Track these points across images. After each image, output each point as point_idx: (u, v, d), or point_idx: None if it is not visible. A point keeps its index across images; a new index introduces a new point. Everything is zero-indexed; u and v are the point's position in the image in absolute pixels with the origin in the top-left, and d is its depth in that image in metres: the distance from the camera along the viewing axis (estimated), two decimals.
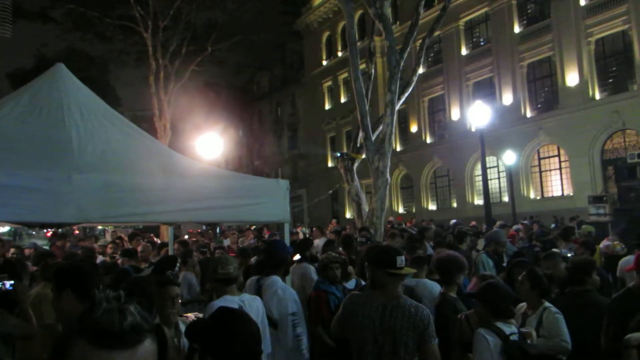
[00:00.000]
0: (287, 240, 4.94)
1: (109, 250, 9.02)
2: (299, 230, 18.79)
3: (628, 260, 6.11)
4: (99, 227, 22.95)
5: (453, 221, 14.50)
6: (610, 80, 22.90)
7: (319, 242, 10.11)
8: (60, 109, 4.46)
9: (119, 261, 6.70)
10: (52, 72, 4.93)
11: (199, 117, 30.39)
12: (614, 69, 22.89)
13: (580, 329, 3.98)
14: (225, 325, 2.03)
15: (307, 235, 13.66)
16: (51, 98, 4.56)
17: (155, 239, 12.30)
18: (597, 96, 22.98)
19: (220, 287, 3.67)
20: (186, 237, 13.91)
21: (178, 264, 4.84)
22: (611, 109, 21.79)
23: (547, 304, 4.13)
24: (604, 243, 7.98)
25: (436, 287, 4.78)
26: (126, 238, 10.19)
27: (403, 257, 3.13)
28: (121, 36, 26.35)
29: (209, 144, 20.02)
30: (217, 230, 18.09)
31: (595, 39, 23.14)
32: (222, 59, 31.06)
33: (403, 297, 3.11)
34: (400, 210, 32.85)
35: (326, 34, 39.00)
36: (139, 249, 7.14)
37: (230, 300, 3.50)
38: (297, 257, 5.72)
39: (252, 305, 3.60)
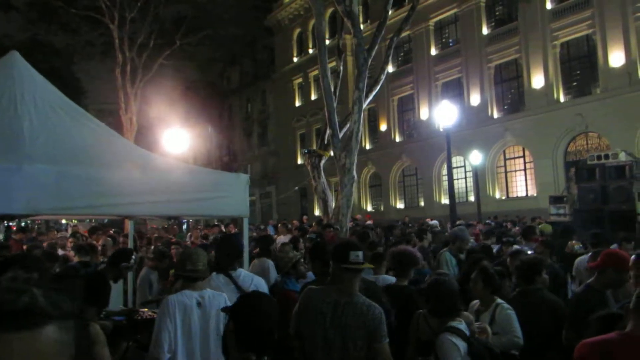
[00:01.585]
0: (245, 235, 4.90)
1: (69, 245, 8.84)
2: (271, 224, 18.74)
3: (583, 259, 6.27)
4: (63, 222, 22.49)
5: (434, 221, 14.68)
6: (575, 84, 23.49)
7: (283, 239, 10.11)
8: (13, 98, 4.34)
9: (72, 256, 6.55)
10: (6, 60, 4.79)
11: (167, 112, 29.97)
12: (579, 72, 23.48)
13: (530, 325, 4.07)
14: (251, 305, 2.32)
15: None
16: (4, 86, 4.43)
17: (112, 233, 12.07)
18: (562, 99, 23.55)
19: (185, 283, 3.57)
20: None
21: (134, 257, 4.75)
22: (575, 112, 22.35)
23: (499, 300, 4.21)
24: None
25: (391, 280, 4.86)
26: (86, 232, 9.99)
27: (359, 253, 3.07)
28: (87, 27, 25.75)
29: (177, 138, 19.81)
30: (185, 225, 17.93)
31: (560, 42, 23.70)
32: (192, 53, 30.67)
33: (358, 294, 3.06)
34: (369, 208, 33.08)
35: (297, 31, 38.93)
36: (100, 242, 7.00)
37: (189, 296, 3.45)
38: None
39: (214, 302, 3.48)
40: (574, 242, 7.71)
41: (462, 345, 3.19)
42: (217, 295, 3.55)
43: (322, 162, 13.16)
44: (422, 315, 3.73)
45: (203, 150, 41.93)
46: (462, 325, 3.34)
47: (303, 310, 3.25)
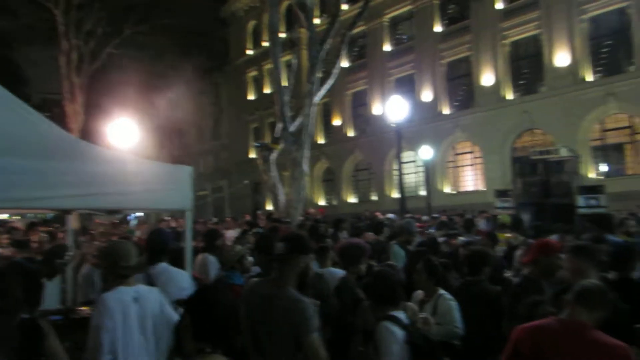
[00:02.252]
0: (189, 230, 4.78)
1: (4, 241, 8.45)
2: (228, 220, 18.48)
3: (522, 252, 6.46)
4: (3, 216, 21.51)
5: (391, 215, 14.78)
6: (522, 82, 24.18)
7: (233, 233, 10.02)
8: None
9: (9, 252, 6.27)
10: None
11: (116, 103, 29.07)
12: (526, 71, 24.18)
13: (471, 316, 4.16)
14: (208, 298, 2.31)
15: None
16: None
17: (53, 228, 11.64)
18: (510, 96, 24.21)
19: (119, 280, 3.43)
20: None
21: (69, 254, 4.57)
22: (522, 109, 23.03)
23: (441, 291, 4.29)
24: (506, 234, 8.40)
25: (339, 274, 4.86)
26: (23, 228, 9.58)
27: (282, 245, 3.08)
28: (26, 10, 24.46)
29: (125, 131, 19.27)
30: (133, 221, 17.48)
31: (510, 41, 24.33)
32: (143, 43, 29.82)
33: (288, 288, 3.05)
34: (322, 202, 33.16)
35: (252, 23, 38.53)
36: (35, 239, 6.72)
37: (125, 292, 3.33)
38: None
39: (149, 297, 3.39)
40: (511, 234, 7.94)
41: (399, 333, 3.25)
42: (151, 290, 3.46)
43: (273, 155, 13.10)
44: (367, 306, 3.78)
45: (153, 143, 40.96)
46: (402, 315, 3.41)
47: (242, 304, 3.22)
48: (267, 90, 36.13)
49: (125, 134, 18.90)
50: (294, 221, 11.36)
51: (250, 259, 5.25)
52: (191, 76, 45.19)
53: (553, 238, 6.69)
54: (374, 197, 29.85)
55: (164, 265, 4.14)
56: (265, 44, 35.15)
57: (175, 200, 4.60)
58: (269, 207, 31.16)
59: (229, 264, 5.00)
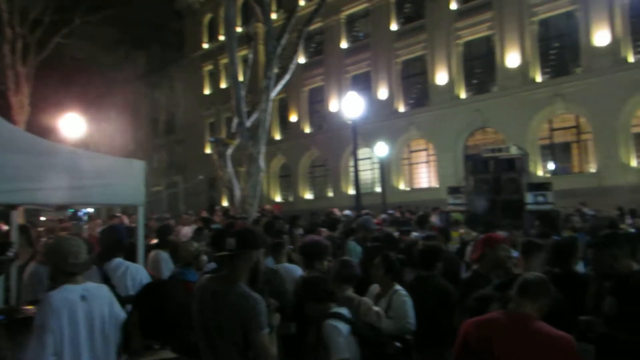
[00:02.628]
0: (141, 226, 4.68)
1: None
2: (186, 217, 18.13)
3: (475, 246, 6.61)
4: None
5: (347, 212, 14.83)
6: (475, 82, 24.76)
7: (188, 230, 9.89)
8: None
9: None
10: None
11: (66, 95, 28.10)
12: (479, 70, 24.77)
13: (425, 310, 4.24)
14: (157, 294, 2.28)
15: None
16: None
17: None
18: (463, 95, 24.76)
19: (65, 277, 3.29)
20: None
21: (14, 251, 4.38)
22: (474, 108, 23.60)
23: (397, 287, 4.35)
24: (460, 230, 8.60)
25: (297, 271, 4.87)
26: None
27: (233, 240, 3.07)
28: None
29: (75, 123, 18.69)
30: (84, 216, 16.95)
31: (463, 41, 24.86)
32: (94, 33, 28.85)
33: (238, 284, 3.04)
34: (278, 198, 33.09)
35: (208, 16, 37.98)
36: None
37: (72, 290, 3.21)
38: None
39: (98, 295, 3.27)
40: (464, 230, 8.14)
41: (344, 327, 3.35)
42: (99, 287, 3.35)
43: (229, 151, 12.97)
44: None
45: (105, 137, 39.87)
46: (344, 310, 3.51)
47: (193, 301, 3.19)
48: (223, 84, 35.73)
49: (75, 127, 18.34)
50: (249, 217, 11.29)
51: (204, 257, 5.21)
52: (145, 69, 44.22)
53: (501, 233, 6.91)
54: (330, 194, 29.99)
55: (119, 261, 4.05)
56: (222, 38, 34.70)
57: (128, 196, 4.49)
58: (225, 203, 30.89)
59: (185, 261, 4.95)
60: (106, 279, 3.85)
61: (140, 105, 44.76)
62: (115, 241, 4.07)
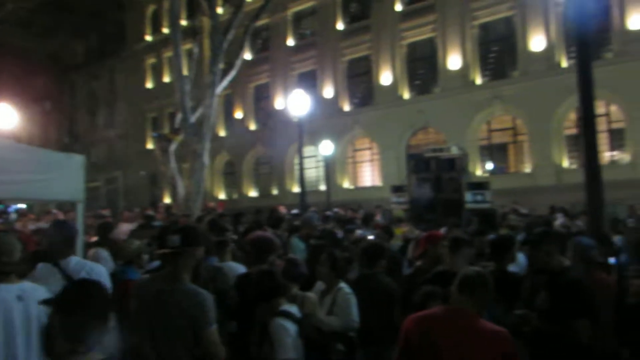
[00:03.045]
0: (80, 223, 4.52)
1: None
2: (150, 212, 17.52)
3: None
4: None
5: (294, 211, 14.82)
6: (418, 82, 25.30)
7: (128, 227, 9.63)
8: None
9: None
10: None
11: None
12: (422, 72, 25.32)
13: (368, 308, 4.31)
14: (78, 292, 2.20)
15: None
16: None
17: None
18: (407, 96, 25.25)
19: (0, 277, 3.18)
20: None
21: None
22: (417, 109, 24.09)
23: (342, 284, 4.40)
24: (402, 227, 8.78)
25: (240, 269, 4.84)
26: None
27: (177, 237, 3.03)
28: None
29: (6, 114, 17.77)
30: (13, 213, 16.18)
31: (407, 42, 25.34)
32: (29, 19, 27.52)
33: (183, 281, 3.00)
34: (222, 196, 32.70)
35: (152, 8, 36.98)
36: None
37: (7, 290, 3.07)
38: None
39: (35, 296, 3.12)
40: (407, 227, 8.33)
41: (292, 327, 3.37)
42: (37, 288, 3.20)
43: (173, 147, 12.72)
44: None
45: (39, 130, 38.19)
46: (293, 308, 3.53)
47: (133, 301, 3.12)
48: (167, 78, 34.93)
49: (6, 118, 17.45)
50: (193, 215, 11.11)
51: (145, 256, 5.10)
52: (83, 59, 42.58)
53: (442, 231, 7.12)
54: (275, 191, 29.90)
55: (78, 260, 3.86)
56: (166, 30, 33.94)
57: (65, 191, 4.32)
58: (167, 199, 30.24)
59: (126, 259, 4.83)
60: (68, 278, 3.66)
61: (78, 96, 43.10)
62: (68, 238, 3.87)
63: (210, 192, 30.58)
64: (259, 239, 4.79)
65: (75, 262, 3.80)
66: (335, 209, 14.93)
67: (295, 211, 13.41)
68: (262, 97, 31.34)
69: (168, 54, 33.36)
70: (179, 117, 12.27)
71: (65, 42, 42.09)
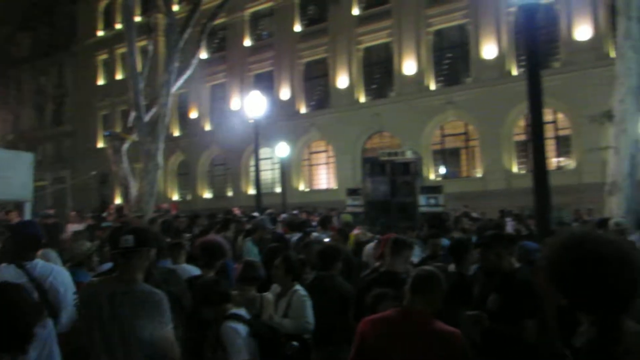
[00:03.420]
0: None
1: None
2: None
3: (371, 247, 6.85)
4: None
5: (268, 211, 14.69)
6: (374, 86, 25.61)
7: (76, 227, 9.34)
8: None
9: None
10: None
11: None
12: (378, 76, 25.66)
13: (324, 309, 4.34)
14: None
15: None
16: None
17: None
18: (362, 99, 25.51)
19: None
20: None
21: None
22: (373, 112, 24.40)
23: (297, 287, 4.41)
24: (355, 231, 8.86)
25: (195, 272, 4.79)
26: None
27: (130, 237, 2.97)
28: None
29: None
30: None
31: (364, 46, 25.63)
32: None
33: (137, 282, 2.95)
34: (176, 197, 32.16)
35: (104, 3, 36.07)
36: None
37: None
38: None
39: None
40: (361, 231, 8.41)
41: (242, 329, 3.39)
42: None
43: (125, 146, 12.43)
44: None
45: None
46: (242, 311, 3.54)
47: (81, 305, 3.05)
48: (119, 75, 34.10)
49: None
50: (145, 216, 10.89)
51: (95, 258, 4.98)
52: (31, 52, 40.98)
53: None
54: (230, 193, 29.65)
55: (42, 262, 3.69)
56: (119, 26, 33.11)
57: (13, 190, 4.15)
58: (118, 200, 29.48)
59: (76, 261, 4.69)
60: (37, 285, 3.50)
61: (24, 91, 41.48)
62: (34, 239, 3.69)
63: (164, 193, 30.04)
64: (207, 244, 4.76)
65: (41, 265, 3.64)
66: (295, 211, 14.94)
67: (255, 214, 13.35)
68: (218, 97, 31.02)
69: (121, 50, 32.54)
70: (132, 115, 12.00)
71: (12, 35, 40.45)
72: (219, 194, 30.43)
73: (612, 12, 13.09)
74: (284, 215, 13.44)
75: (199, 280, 4.03)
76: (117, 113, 33.51)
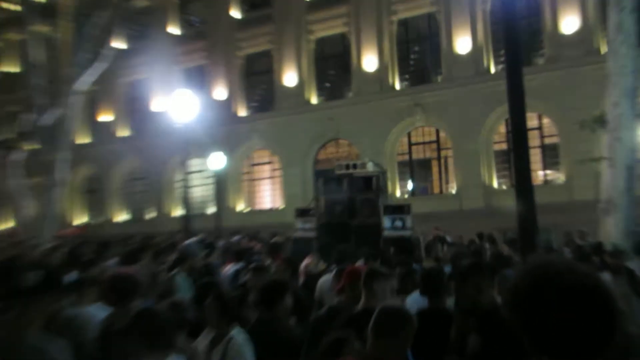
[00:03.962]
0: None
1: None
2: None
3: (327, 280, 6.81)
4: None
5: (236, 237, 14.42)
6: (328, 85, 25.83)
7: None
8: None
9: None
10: None
11: None
12: (332, 73, 25.89)
13: (267, 358, 4.27)
14: None
15: None
16: None
17: None
18: (314, 100, 25.66)
19: None
20: None
21: None
22: (327, 116, 24.46)
23: (234, 331, 4.32)
24: (306, 260, 8.82)
25: (102, 314, 4.63)
26: None
27: (31, 276, 2.87)
28: None
29: None
30: None
31: (315, 37, 25.86)
32: None
33: (30, 332, 2.82)
34: (82, 219, 31.36)
35: None
36: None
37: None
38: None
39: None
40: (312, 260, 8.39)
41: None
42: None
43: (18, 156, 12.09)
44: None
45: None
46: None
47: None
48: (9, 67, 33.00)
49: None
50: (42, 243, 10.56)
51: None
52: None
53: (359, 264, 7.23)
54: (152, 214, 29.12)
55: None
56: (12, 7, 32.15)
57: None
58: (9, 224, 28.46)
59: None
60: None
61: None
62: None
63: (67, 214, 29.21)
64: (118, 279, 4.61)
65: None
66: (236, 237, 14.76)
67: (195, 239, 13.12)
68: (137, 97, 30.53)
69: (11, 36, 31.55)
70: (27, 118, 11.67)
71: None
72: (137, 217, 29.85)
73: (602, 1, 13.68)
74: (221, 242, 13.29)
75: (109, 328, 3.89)
76: (4, 115, 32.35)
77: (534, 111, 19.49)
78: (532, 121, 19.92)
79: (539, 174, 20.91)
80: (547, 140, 21.39)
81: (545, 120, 21.34)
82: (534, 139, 19.96)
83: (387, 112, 23.25)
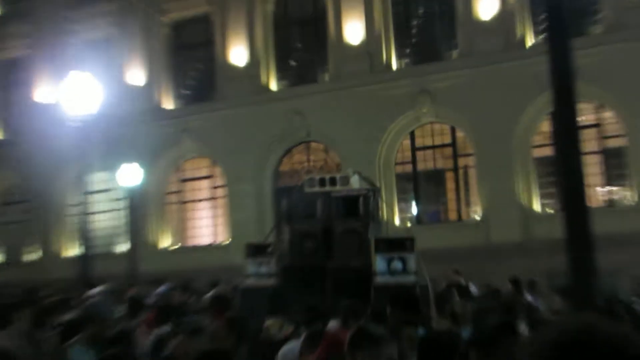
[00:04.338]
0: None
1: None
2: None
3: (292, 349, 6.78)
4: None
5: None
6: (294, 64, 25.84)
7: None
8: None
9: None
10: None
11: None
12: (300, 46, 26.09)
13: None
14: None
15: None
16: None
17: None
18: (274, 86, 25.63)
19: None
20: None
21: None
22: (292, 109, 24.36)
23: None
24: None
25: None
26: None
27: None
28: None
29: None
30: None
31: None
32: None
33: None
34: None
35: None
36: None
37: None
38: None
39: None
40: (271, 322, 8.35)
41: None
42: None
43: None
44: None
45: None
46: None
47: None
48: None
49: None
50: None
51: None
52: None
53: (333, 324, 7.23)
54: (33, 256, 28.84)
55: None
56: None
57: None
58: None
59: None
60: None
61: None
62: None
63: None
64: None
65: None
66: (162, 286, 14.67)
67: (101, 288, 12.98)
68: (11, 83, 30.37)
69: None
70: None
71: None
72: (14, 256, 29.56)
73: None
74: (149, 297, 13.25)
75: None
76: None
77: (589, 100, 19.62)
78: (587, 115, 20.06)
79: (599, 192, 20.94)
80: (610, 143, 21.43)
81: (607, 115, 21.42)
82: (589, 141, 20.05)
83: (381, 102, 23.15)
